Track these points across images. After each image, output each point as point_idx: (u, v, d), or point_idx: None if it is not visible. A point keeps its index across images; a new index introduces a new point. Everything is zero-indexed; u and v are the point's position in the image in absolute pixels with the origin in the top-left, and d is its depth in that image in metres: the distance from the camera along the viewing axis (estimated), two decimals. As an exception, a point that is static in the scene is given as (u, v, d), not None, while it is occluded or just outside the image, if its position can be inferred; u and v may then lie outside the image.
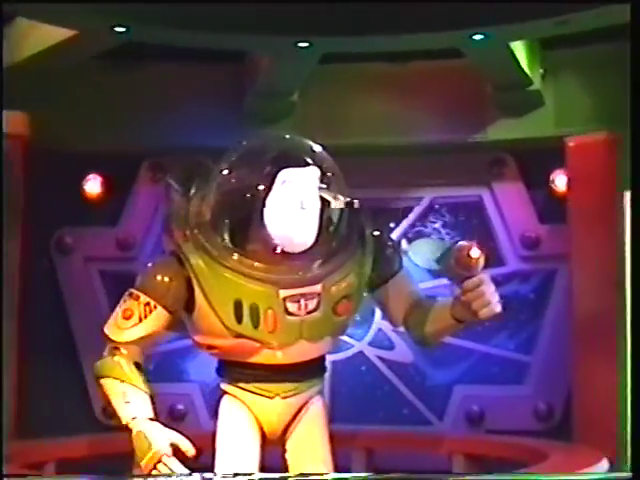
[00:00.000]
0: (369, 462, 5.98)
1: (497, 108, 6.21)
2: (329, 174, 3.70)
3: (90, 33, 5.30)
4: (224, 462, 3.85)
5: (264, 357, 3.81)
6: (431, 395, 6.65)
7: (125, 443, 5.81)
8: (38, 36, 5.38)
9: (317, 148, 3.77)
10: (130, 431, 3.63)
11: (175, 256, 3.79)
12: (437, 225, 6.80)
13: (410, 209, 6.77)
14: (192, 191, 3.87)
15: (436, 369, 6.70)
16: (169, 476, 3.50)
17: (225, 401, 3.99)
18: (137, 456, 3.59)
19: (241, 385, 3.92)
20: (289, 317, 3.72)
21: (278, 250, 3.67)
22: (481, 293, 3.67)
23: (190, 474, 3.47)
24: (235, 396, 3.94)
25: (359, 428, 5.80)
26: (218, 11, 5.08)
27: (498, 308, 3.70)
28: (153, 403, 3.70)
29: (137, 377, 3.72)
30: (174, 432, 3.62)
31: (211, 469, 3.79)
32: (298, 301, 3.71)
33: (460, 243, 3.68)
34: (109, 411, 6.62)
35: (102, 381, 3.75)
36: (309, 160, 3.68)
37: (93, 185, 6.77)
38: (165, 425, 3.64)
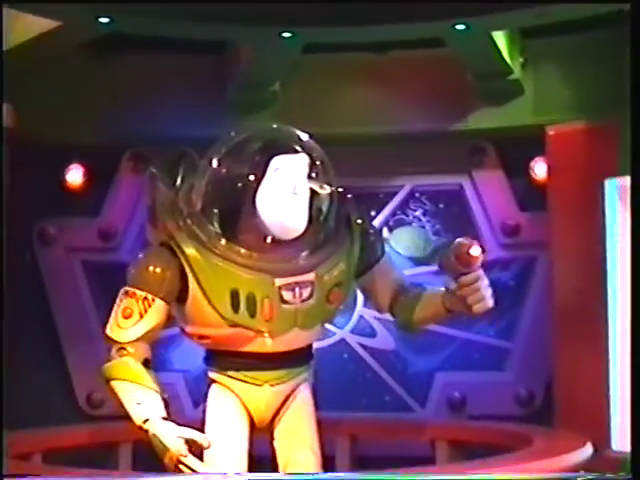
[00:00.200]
0: (353, 449, 6.01)
1: (477, 97, 6.24)
2: (318, 162, 3.77)
3: (74, 24, 5.28)
4: (213, 451, 3.86)
5: (256, 346, 3.84)
6: (413, 382, 6.71)
7: (111, 433, 5.87)
8: (21, 27, 5.36)
9: (304, 136, 3.83)
10: (144, 431, 3.67)
11: (166, 247, 3.80)
12: (418, 213, 6.84)
13: (391, 197, 6.81)
14: (178, 181, 3.89)
15: (418, 356, 6.75)
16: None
17: (213, 390, 4.02)
18: (158, 454, 3.64)
19: (230, 373, 3.95)
20: (284, 305, 3.76)
21: (269, 240, 3.72)
22: (477, 289, 3.73)
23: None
24: (223, 384, 3.97)
25: (342, 415, 5.82)
26: (201, 1, 5.08)
27: (491, 303, 3.77)
28: (164, 400, 3.72)
29: (146, 377, 3.74)
30: (185, 428, 3.64)
31: (198, 457, 3.80)
32: (293, 289, 3.75)
33: (460, 240, 3.72)
34: (93, 401, 6.74)
35: (112, 383, 3.77)
36: (299, 148, 3.74)
37: (75, 175, 6.76)
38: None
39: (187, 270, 3.74)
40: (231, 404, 3.96)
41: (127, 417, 3.77)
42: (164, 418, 3.68)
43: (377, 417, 6.38)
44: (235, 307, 3.74)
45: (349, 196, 3.92)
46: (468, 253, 3.64)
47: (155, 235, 3.94)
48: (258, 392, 3.94)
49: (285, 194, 3.69)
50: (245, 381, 3.94)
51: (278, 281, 3.74)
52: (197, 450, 3.70)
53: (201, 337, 3.91)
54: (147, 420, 3.66)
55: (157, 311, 3.77)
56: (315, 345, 4.06)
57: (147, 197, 4.04)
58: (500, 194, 6.58)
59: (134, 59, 6.41)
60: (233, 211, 3.75)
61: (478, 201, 6.65)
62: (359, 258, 3.93)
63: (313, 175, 3.74)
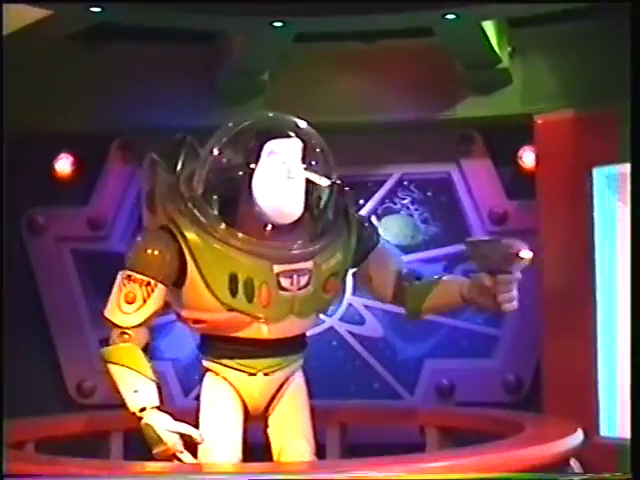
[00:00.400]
0: (343, 437, 6.03)
1: (466, 86, 6.26)
2: (317, 150, 3.83)
3: (65, 13, 5.27)
4: (207, 440, 3.89)
5: (251, 332, 3.88)
6: (402, 369, 6.73)
7: (102, 422, 5.87)
8: (11, 16, 5.33)
9: (302, 123, 3.89)
10: (138, 419, 3.71)
11: (166, 230, 3.83)
12: (406, 201, 6.85)
13: (379, 185, 6.82)
14: (179, 167, 3.93)
15: (406, 343, 6.77)
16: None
17: (207, 378, 4.06)
18: (147, 441, 3.69)
19: (224, 362, 3.99)
20: (282, 292, 3.81)
21: (269, 227, 3.78)
22: (511, 289, 3.81)
23: None
24: (217, 373, 4.01)
25: (331, 403, 5.85)
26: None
27: (516, 305, 3.85)
28: (160, 391, 3.74)
29: (146, 365, 3.79)
30: (181, 423, 3.71)
31: (189, 447, 3.83)
32: (291, 277, 3.80)
33: (511, 241, 3.78)
34: (83, 390, 6.74)
35: (110, 367, 3.80)
36: (292, 133, 3.79)
37: (64, 164, 6.74)
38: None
39: (186, 254, 3.78)
40: (225, 392, 3.99)
41: (121, 405, 3.79)
42: (159, 409, 3.72)
43: (366, 404, 6.38)
44: (233, 291, 3.78)
45: (347, 189, 3.98)
46: (518, 255, 3.70)
47: (153, 220, 3.99)
48: (252, 380, 3.98)
49: (279, 178, 3.74)
50: (239, 369, 3.98)
51: (276, 267, 3.79)
52: (191, 444, 3.74)
53: (197, 322, 3.94)
54: (144, 409, 3.70)
55: (159, 295, 3.82)
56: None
57: (146, 183, 4.08)
58: (488, 182, 6.61)
59: (124, 49, 6.39)
60: (233, 199, 3.81)
61: (466, 189, 6.67)
62: (355, 249, 3.99)
63: (313, 163, 3.80)
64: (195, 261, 3.77)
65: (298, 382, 4.11)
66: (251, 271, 3.78)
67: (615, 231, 5.70)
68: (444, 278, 4.07)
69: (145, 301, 3.79)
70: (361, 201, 6.69)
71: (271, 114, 3.98)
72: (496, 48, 5.90)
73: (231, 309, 3.82)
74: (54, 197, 6.76)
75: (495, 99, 6.25)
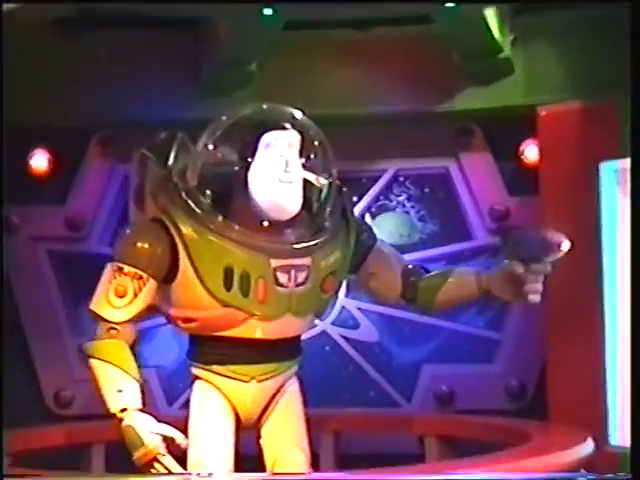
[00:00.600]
0: (337, 446, 6.05)
1: (465, 76, 6.27)
2: (316, 143, 3.87)
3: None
4: (197, 451, 3.89)
5: (245, 331, 3.89)
6: (398, 375, 6.74)
7: (83, 433, 5.86)
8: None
9: (299, 114, 3.92)
10: (118, 420, 3.69)
11: (158, 222, 3.84)
12: (402, 198, 6.87)
13: (374, 182, 6.84)
14: (171, 162, 3.95)
15: (403, 348, 6.79)
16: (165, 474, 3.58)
17: (197, 386, 4.06)
18: (127, 445, 3.68)
19: (214, 369, 3.99)
20: (279, 288, 3.83)
21: (265, 223, 3.80)
22: (541, 280, 3.90)
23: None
24: (208, 381, 4.01)
25: (324, 411, 5.86)
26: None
27: (540, 298, 3.94)
28: (142, 392, 3.74)
29: (133, 364, 3.79)
30: (164, 425, 3.70)
31: (180, 458, 3.83)
32: (288, 272, 3.82)
33: (551, 232, 3.93)
34: (61, 399, 6.72)
35: (94, 362, 3.79)
36: (289, 125, 3.82)
37: (40, 160, 6.74)
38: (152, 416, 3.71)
39: (179, 245, 3.79)
40: (216, 401, 3.99)
41: (105, 414, 3.77)
42: (141, 410, 3.73)
43: (361, 412, 6.44)
44: (228, 286, 3.79)
45: (344, 189, 4.03)
46: (559, 245, 3.82)
47: (141, 217, 4.02)
48: (245, 388, 3.99)
49: (276, 172, 3.77)
50: (231, 377, 3.98)
51: (274, 262, 3.81)
52: (175, 449, 3.73)
53: (187, 320, 3.94)
54: (125, 409, 3.70)
55: (150, 290, 3.82)
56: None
57: (135, 178, 4.10)
58: (488, 178, 6.62)
59: (103, 37, 6.37)
60: (227, 194, 3.84)
61: (465, 185, 6.69)
62: (354, 251, 4.03)
63: (311, 157, 3.84)
64: (188, 254, 3.78)
65: (293, 389, 4.12)
66: (247, 264, 3.79)
67: (623, 230, 5.71)
68: (456, 270, 4.14)
69: (136, 295, 3.79)
70: (354, 198, 6.68)
71: (266, 105, 3.99)
72: (497, 36, 5.91)
73: (225, 304, 3.82)
74: (29, 195, 6.74)
75: (496, 90, 6.26)
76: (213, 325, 3.90)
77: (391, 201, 6.87)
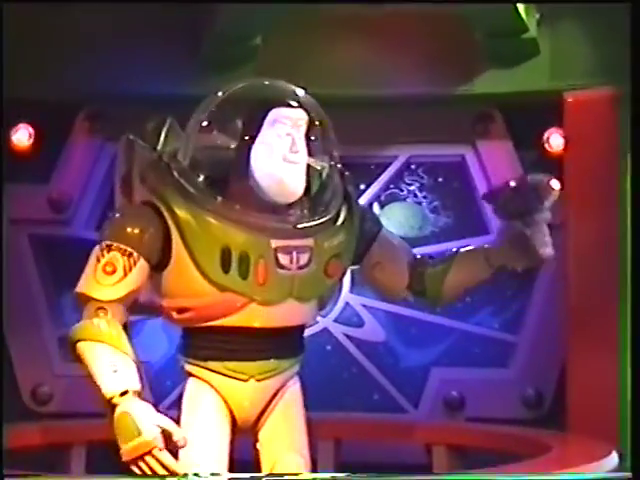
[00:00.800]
0: (337, 454, 6.04)
1: (486, 57, 6.23)
2: (317, 123, 3.88)
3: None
4: (190, 454, 3.85)
5: (245, 318, 3.85)
6: (405, 379, 6.73)
7: (62, 433, 5.83)
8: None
9: (301, 92, 3.91)
10: (111, 405, 3.51)
11: (149, 205, 3.81)
12: (413, 187, 6.85)
13: (383, 168, 6.81)
14: (160, 146, 3.95)
15: (410, 349, 6.77)
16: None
17: (190, 385, 4.01)
18: (117, 436, 3.49)
19: (210, 365, 3.94)
20: (280, 270, 3.80)
21: (265, 204, 3.78)
22: (546, 231, 3.91)
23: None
24: (202, 379, 3.97)
25: (324, 415, 5.84)
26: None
27: (553, 252, 3.94)
28: (140, 376, 3.65)
29: (127, 343, 3.67)
30: (164, 417, 3.56)
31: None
32: (290, 253, 3.80)
33: (534, 175, 3.99)
34: (39, 396, 6.69)
35: (81, 345, 3.64)
36: (295, 103, 3.82)
37: (22, 136, 6.70)
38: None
39: (172, 228, 3.76)
40: (210, 401, 3.95)
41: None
42: (139, 394, 3.58)
43: (364, 418, 6.43)
44: (225, 267, 3.76)
45: (346, 173, 4.02)
46: (550, 185, 3.88)
47: (131, 200, 4.00)
48: (242, 388, 3.95)
49: (282, 151, 3.77)
50: (228, 375, 3.93)
51: (274, 242, 3.78)
52: (172, 447, 3.64)
53: (181, 310, 3.89)
54: (124, 393, 3.52)
55: (141, 271, 3.75)
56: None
57: (122, 165, 4.08)
58: (507, 168, 6.58)
59: (92, 6, 6.32)
60: (223, 173, 3.82)
61: (482, 175, 6.66)
62: (358, 236, 4.01)
63: (312, 138, 3.83)
64: (182, 236, 3.75)
65: (293, 390, 4.08)
66: (246, 245, 3.76)
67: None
68: (461, 250, 4.13)
69: (126, 274, 3.71)
70: (362, 185, 6.68)
71: (267, 81, 3.97)
72: (523, 15, 5.87)
73: (223, 288, 3.78)
74: (10, 173, 6.66)
75: (519, 73, 6.22)
76: (210, 314, 3.86)
77: (402, 190, 6.85)
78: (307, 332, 4.14)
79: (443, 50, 6.29)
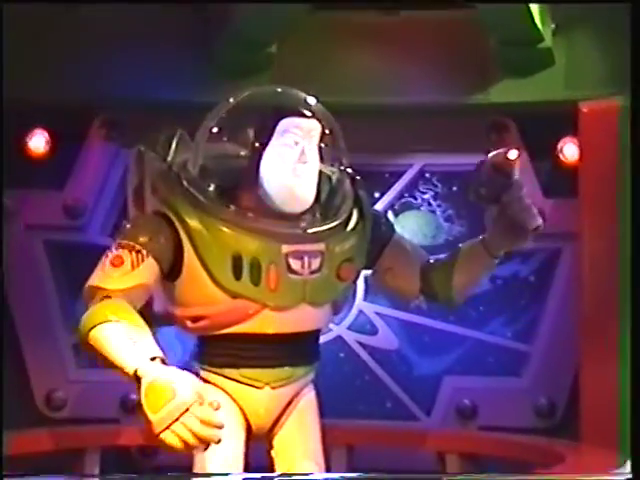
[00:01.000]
0: (349, 461, 6.06)
1: (500, 66, 6.25)
2: (327, 132, 3.92)
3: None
4: (204, 461, 3.89)
5: (258, 325, 3.90)
6: (418, 386, 6.75)
7: (76, 438, 5.86)
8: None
9: (312, 100, 3.96)
10: (137, 378, 3.32)
11: (160, 215, 3.87)
12: (427, 196, 6.87)
13: (398, 177, 6.83)
14: (170, 157, 4.00)
15: (423, 357, 6.79)
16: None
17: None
18: (148, 408, 3.24)
19: (226, 373, 3.99)
20: (292, 275, 3.85)
21: (275, 211, 3.83)
22: (524, 202, 3.97)
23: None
24: (217, 385, 4.00)
25: (337, 423, 5.87)
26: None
27: (540, 220, 4.00)
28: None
29: (138, 317, 3.57)
30: (196, 378, 3.41)
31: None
32: (301, 258, 3.85)
33: (492, 153, 4.00)
34: (53, 401, 6.73)
35: (93, 332, 3.51)
36: (308, 112, 3.87)
37: (38, 142, 6.72)
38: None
39: (183, 237, 3.81)
40: (226, 408, 3.92)
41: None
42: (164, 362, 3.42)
43: (376, 425, 6.44)
44: (237, 274, 3.81)
45: (357, 178, 4.08)
46: (507, 158, 3.89)
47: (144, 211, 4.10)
48: (258, 395, 4.00)
49: (292, 161, 3.81)
50: (243, 382, 3.99)
51: (285, 247, 3.83)
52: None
53: (196, 319, 3.94)
54: (151, 360, 3.34)
55: (148, 269, 3.78)
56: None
57: (134, 177, 4.17)
58: (522, 178, 6.54)
59: (107, 11, 6.36)
60: (234, 182, 3.87)
61: (496, 184, 6.66)
62: (370, 240, 4.06)
63: (322, 146, 3.88)
64: (193, 245, 3.80)
65: (309, 398, 4.14)
66: (257, 251, 3.81)
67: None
68: (461, 247, 4.20)
69: (133, 268, 3.74)
70: (376, 194, 6.72)
71: (279, 89, 4.02)
72: (539, 24, 5.89)
73: (235, 296, 3.83)
74: (26, 179, 6.72)
75: (534, 82, 6.23)
76: (224, 321, 3.90)
77: (416, 199, 6.87)
78: (321, 340, 4.17)
79: (458, 59, 6.31)
